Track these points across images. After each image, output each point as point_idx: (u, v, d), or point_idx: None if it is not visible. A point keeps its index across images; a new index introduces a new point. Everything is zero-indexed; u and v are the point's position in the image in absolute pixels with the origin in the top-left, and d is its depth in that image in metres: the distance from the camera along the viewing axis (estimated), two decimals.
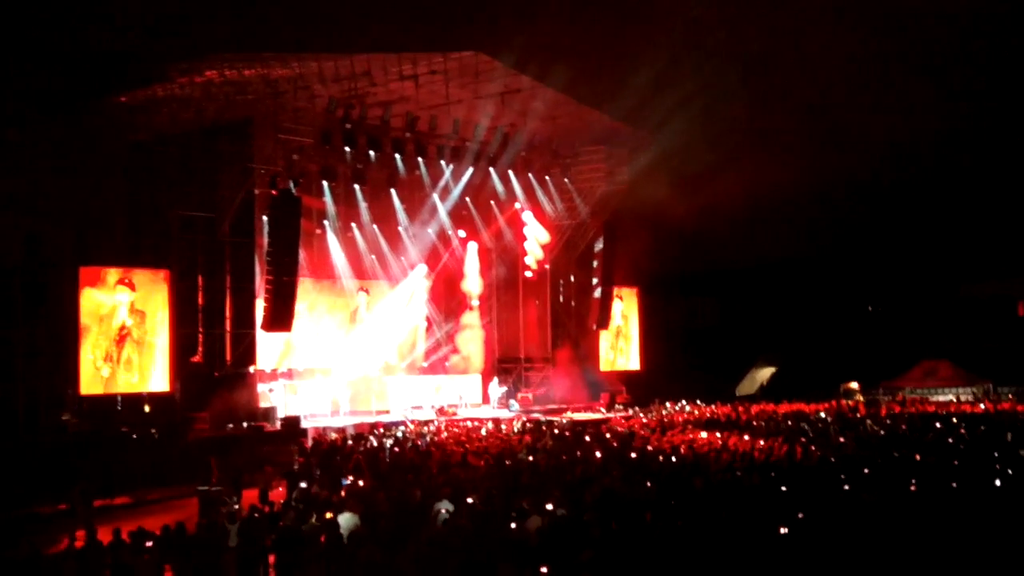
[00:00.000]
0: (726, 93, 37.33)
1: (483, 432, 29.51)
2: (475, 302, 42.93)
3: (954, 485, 16.71)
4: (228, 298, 33.53)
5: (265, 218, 32.57)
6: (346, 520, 15.28)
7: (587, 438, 27.23)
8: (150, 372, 30.48)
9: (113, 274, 29.78)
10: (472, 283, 42.77)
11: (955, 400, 42.57)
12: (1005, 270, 55.48)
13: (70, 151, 28.59)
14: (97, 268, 29.55)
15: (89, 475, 21.86)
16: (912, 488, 16.57)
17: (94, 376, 29.21)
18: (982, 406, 38.22)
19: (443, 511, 15.46)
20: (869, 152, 45.50)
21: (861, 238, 51.38)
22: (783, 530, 13.14)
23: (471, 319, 42.77)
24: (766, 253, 52.24)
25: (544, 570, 11.65)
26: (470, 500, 16.15)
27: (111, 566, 14.35)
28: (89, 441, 27.11)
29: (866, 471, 18.82)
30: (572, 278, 46.01)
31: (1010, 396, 42.65)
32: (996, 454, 21.54)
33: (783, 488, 16.82)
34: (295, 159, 32.60)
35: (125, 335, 29.79)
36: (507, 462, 21.61)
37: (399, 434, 28.85)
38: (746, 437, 26.55)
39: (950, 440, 25.18)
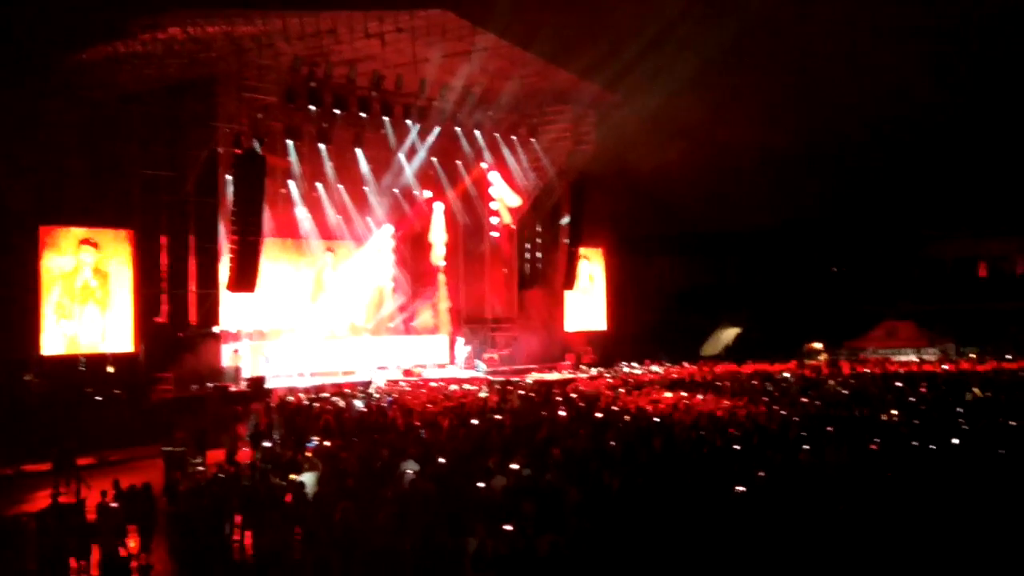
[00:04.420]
0: (697, 54, 37.33)
1: (449, 392, 29.57)
2: (441, 262, 42.81)
3: (914, 444, 16.96)
4: (192, 258, 33.19)
5: (229, 177, 32.23)
6: (309, 480, 15.32)
7: (553, 398, 27.35)
8: (113, 333, 30.25)
9: (76, 234, 29.44)
10: (438, 243, 42.61)
11: (917, 360, 43.01)
12: (968, 231, 56.07)
13: (30, 109, 28.16)
14: (58, 228, 29.21)
15: (68, 434, 21.77)
16: (873, 447, 16.78)
17: (56, 337, 28.94)
18: (944, 366, 38.65)
19: (409, 471, 15.52)
20: (834, 115, 45.69)
21: (825, 200, 51.64)
22: (742, 488, 13.27)
23: (437, 279, 42.68)
24: (731, 215, 52.46)
25: (508, 528, 11.69)
26: (441, 461, 16.22)
27: (76, 526, 14.31)
28: (52, 402, 26.94)
29: (828, 430, 19.06)
30: (539, 239, 45.96)
31: (972, 356, 43.14)
32: (956, 413, 21.91)
33: (746, 447, 17.01)
34: (259, 118, 32.24)
35: (87, 295, 29.52)
36: (473, 422, 21.69)
37: (365, 395, 28.87)
38: (711, 397, 26.76)
39: (911, 399, 25.50)
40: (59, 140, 29.06)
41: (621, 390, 29.89)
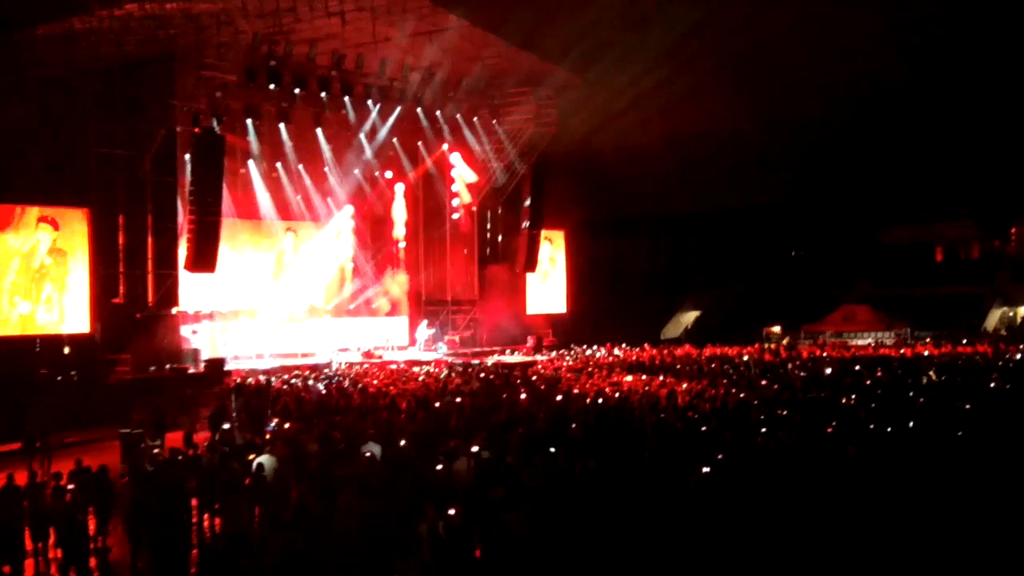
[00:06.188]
0: (659, 39, 37.40)
1: (410, 374, 29.52)
2: (402, 244, 42.70)
3: (871, 427, 17.11)
4: (150, 238, 32.85)
5: (188, 157, 31.90)
6: (268, 462, 15.23)
7: (514, 381, 27.36)
8: (70, 313, 29.89)
9: (33, 212, 29.05)
10: (399, 225, 42.49)
11: (874, 344, 43.45)
12: (924, 216, 56.67)
13: None
14: (13, 206, 28.80)
15: (31, 416, 21.56)
16: (828, 430, 16.91)
17: (11, 317, 28.58)
18: (901, 350, 39.05)
19: (370, 454, 15.47)
20: (794, 100, 45.97)
21: (785, 184, 52.04)
22: (704, 469, 13.33)
23: (398, 261, 42.58)
24: (692, 199, 52.75)
25: (452, 512, 11.64)
26: (402, 443, 16.18)
27: (30, 510, 14.15)
28: (8, 383, 26.58)
29: (784, 413, 19.18)
30: (500, 221, 45.91)
31: (927, 340, 43.63)
32: (911, 396, 22.12)
33: (704, 429, 17.10)
34: (218, 96, 31.89)
35: (44, 274, 29.15)
36: (434, 405, 21.66)
37: (326, 377, 28.75)
38: (671, 380, 26.87)
39: (867, 383, 25.72)
40: (15, 117, 28.62)
41: (582, 373, 29.96)
